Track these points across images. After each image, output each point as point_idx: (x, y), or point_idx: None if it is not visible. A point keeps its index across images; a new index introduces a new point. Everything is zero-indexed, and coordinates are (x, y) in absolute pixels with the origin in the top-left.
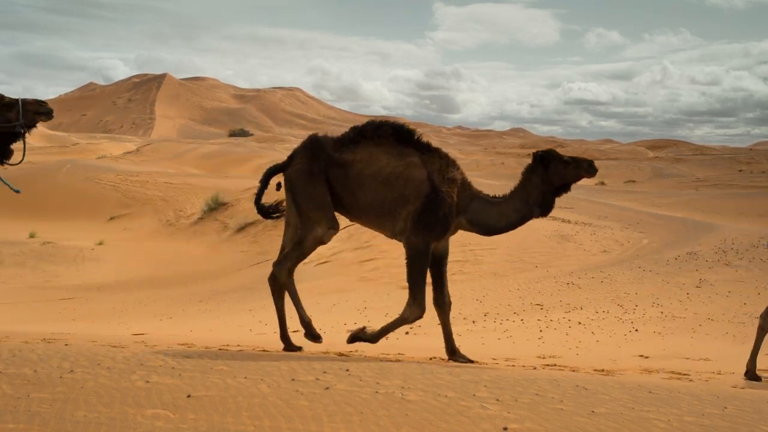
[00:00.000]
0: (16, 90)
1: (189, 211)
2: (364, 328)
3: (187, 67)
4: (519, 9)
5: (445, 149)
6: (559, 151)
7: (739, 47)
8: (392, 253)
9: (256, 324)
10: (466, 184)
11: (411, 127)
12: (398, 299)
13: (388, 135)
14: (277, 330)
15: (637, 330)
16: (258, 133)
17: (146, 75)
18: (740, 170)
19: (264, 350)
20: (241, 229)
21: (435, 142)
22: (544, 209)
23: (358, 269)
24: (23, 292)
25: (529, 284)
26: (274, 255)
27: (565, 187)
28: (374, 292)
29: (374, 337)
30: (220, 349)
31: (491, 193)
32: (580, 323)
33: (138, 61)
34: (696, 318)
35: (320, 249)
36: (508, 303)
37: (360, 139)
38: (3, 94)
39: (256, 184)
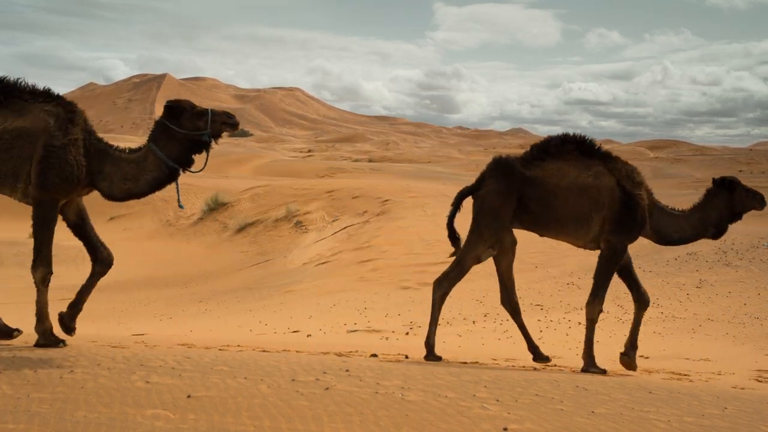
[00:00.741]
0: None
1: (189, 211)
2: (585, 367)
3: (187, 67)
4: (519, 9)
5: (446, 149)
6: None
7: (740, 47)
8: (392, 254)
9: (256, 324)
10: (649, 191)
11: (592, 138)
12: (398, 299)
13: (572, 150)
14: (277, 330)
15: None
16: (258, 133)
17: (146, 75)
18: (740, 170)
19: (264, 350)
20: (241, 229)
21: (435, 143)
22: (717, 232)
23: (358, 269)
24: (24, 292)
25: (529, 284)
26: (274, 255)
27: (739, 215)
28: (374, 292)
29: (589, 356)
30: (220, 349)
31: (669, 205)
32: (580, 323)
33: (139, 61)
34: (696, 318)
35: (320, 249)
36: None
37: (545, 156)
38: (195, 103)
39: (256, 184)
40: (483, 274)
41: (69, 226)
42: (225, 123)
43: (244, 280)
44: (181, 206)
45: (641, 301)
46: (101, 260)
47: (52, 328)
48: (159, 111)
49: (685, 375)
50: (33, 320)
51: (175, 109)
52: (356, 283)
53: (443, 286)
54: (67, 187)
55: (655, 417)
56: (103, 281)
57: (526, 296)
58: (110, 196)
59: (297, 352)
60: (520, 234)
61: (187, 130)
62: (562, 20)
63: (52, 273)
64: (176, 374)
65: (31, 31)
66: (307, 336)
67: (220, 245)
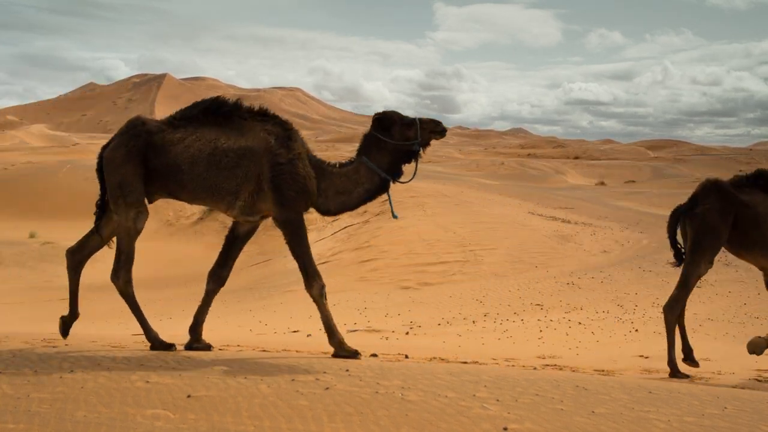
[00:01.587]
0: (17, 90)
1: (189, 211)
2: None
3: (188, 67)
4: (520, 9)
5: (446, 149)
6: (559, 151)
7: (740, 47)
8: (392, 254)
9: (256, 324)
10: None
11: None
12: (398, 299)
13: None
14: (277, 330)
15: (637, 330)
16: None
17: (146, 75)
18: (740, 170)
19: (264, 350)
20: None
21: (435, 142)
22: None
23: (358, 269)
24: (24, 292)
25: (529, 284)
26: (274, 255)
27: None
28: (374, 292)
29: None
30: (220, 349)
31: None
32: (580, 323)
33: (140, 61)
34: (696, 318)
35: (320, 249)
36: (508, 303)
37: (751, 184)
38: (402, 113)
39: None
40: (483, 275)
41: (230, 235)
42: (433, 131)
43: (244, 280)
44: (395, 215)
45: None
46: (218, 278)
47: (342, 339)
48: (159, 111)
49: (686, 375)
50: (31, 320)
51: (385, 121)
52: (356, 283)
53: (675, 309)
54: (304, 198)
55: (655, 417)
56: (103, 281)
57: (526, 296)
58: (326, 212)
59: (297, 352)
60: (521, 234)
61: (397, 140)
62: (563, 20)
63: (325, 285)
64: (176, 374)
65: (31, 31)
66: (307, 336)
67: (220, 245)
